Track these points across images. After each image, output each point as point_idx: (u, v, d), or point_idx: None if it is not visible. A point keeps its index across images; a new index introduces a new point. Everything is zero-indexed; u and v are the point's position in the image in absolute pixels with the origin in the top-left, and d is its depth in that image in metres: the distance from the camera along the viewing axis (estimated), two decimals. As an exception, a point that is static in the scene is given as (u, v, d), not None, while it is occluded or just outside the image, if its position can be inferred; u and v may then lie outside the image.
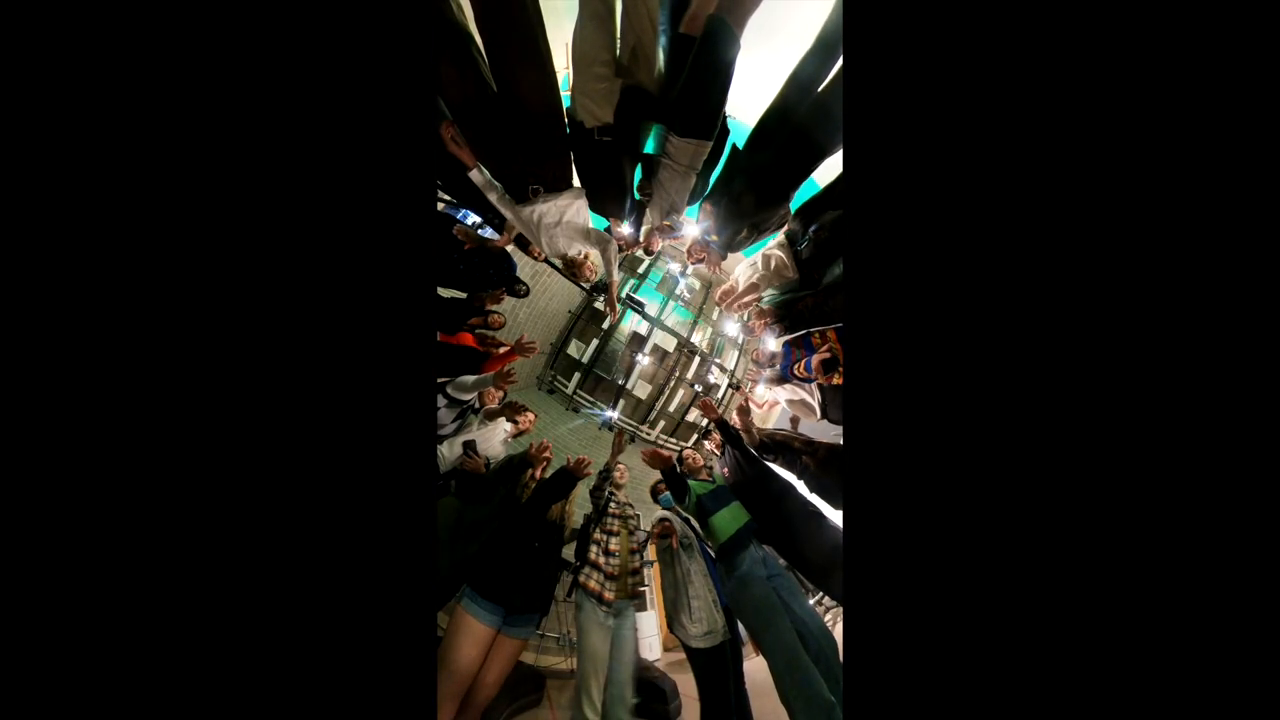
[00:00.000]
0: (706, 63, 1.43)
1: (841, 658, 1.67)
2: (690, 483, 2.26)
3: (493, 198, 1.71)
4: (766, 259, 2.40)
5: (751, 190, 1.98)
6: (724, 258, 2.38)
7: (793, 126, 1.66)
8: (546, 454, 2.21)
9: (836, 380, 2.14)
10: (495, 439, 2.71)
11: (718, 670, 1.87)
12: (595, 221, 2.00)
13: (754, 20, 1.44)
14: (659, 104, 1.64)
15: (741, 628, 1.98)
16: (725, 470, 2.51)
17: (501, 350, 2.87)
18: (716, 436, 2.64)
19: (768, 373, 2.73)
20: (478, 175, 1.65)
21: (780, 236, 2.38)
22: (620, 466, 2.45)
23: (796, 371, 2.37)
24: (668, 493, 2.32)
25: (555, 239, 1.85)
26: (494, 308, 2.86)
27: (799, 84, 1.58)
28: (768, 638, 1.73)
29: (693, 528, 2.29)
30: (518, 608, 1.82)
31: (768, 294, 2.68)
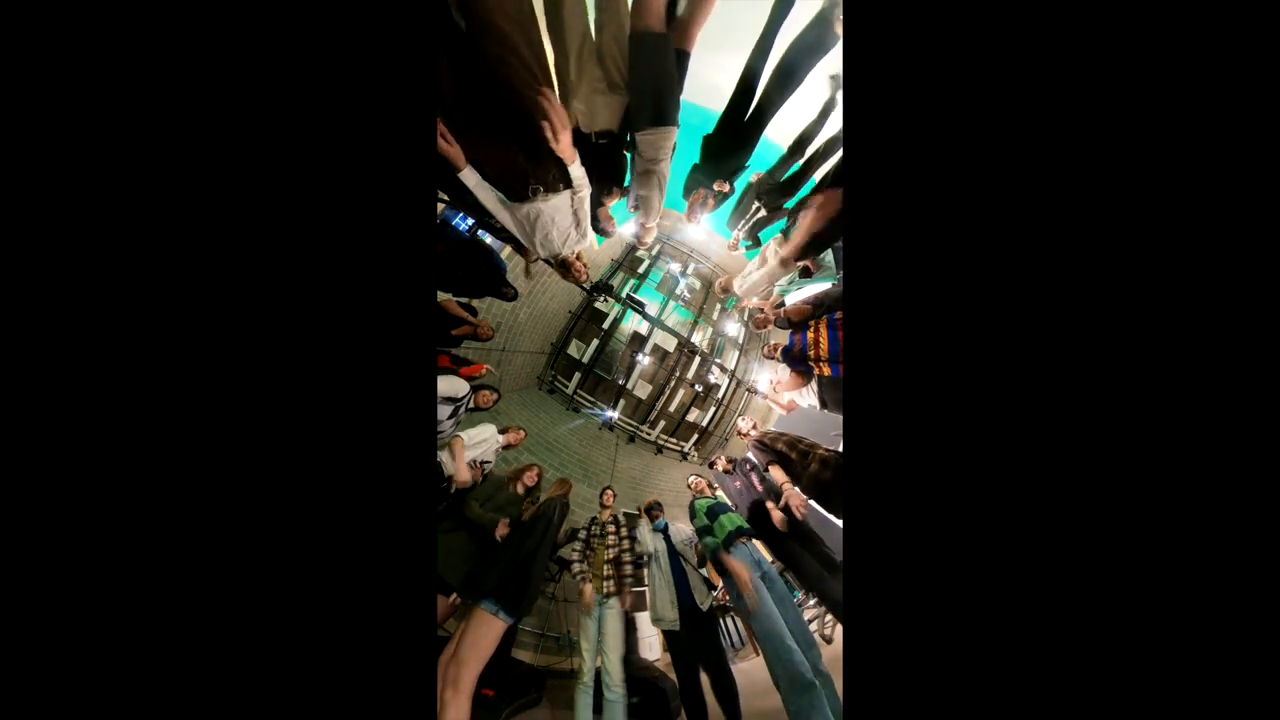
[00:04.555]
0: (640, 66, 1.64)
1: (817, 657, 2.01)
2: (696, 502, 2.68)
3: (485, 199, 1.69)
4: (764, 255, 2.62)
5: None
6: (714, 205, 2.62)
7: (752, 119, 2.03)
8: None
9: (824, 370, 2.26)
10: (490, 446, 2.76)
11: (680, 648, 2.46)
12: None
13: (738, 21, 1.56)
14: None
15: (739, 628, 2.19)
16: (738, 484, 2.87)
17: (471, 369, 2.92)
18: (723, 462, 3.05)
19: (781, 370, 2.80)
20: (470, 176, 1.62)
21: (779, 235, 2.57)
22: (609, 493, 2.96)
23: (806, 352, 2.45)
24: (661, 518, 2.84)
25: (551, 238, 1.85)
26: (477, 321, 2.89)
27: (750, 75, 1.91)
28: (756, 625, 2.06)
29: (671, 546, 2.72)
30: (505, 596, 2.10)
31: (778, 287, 2.91)
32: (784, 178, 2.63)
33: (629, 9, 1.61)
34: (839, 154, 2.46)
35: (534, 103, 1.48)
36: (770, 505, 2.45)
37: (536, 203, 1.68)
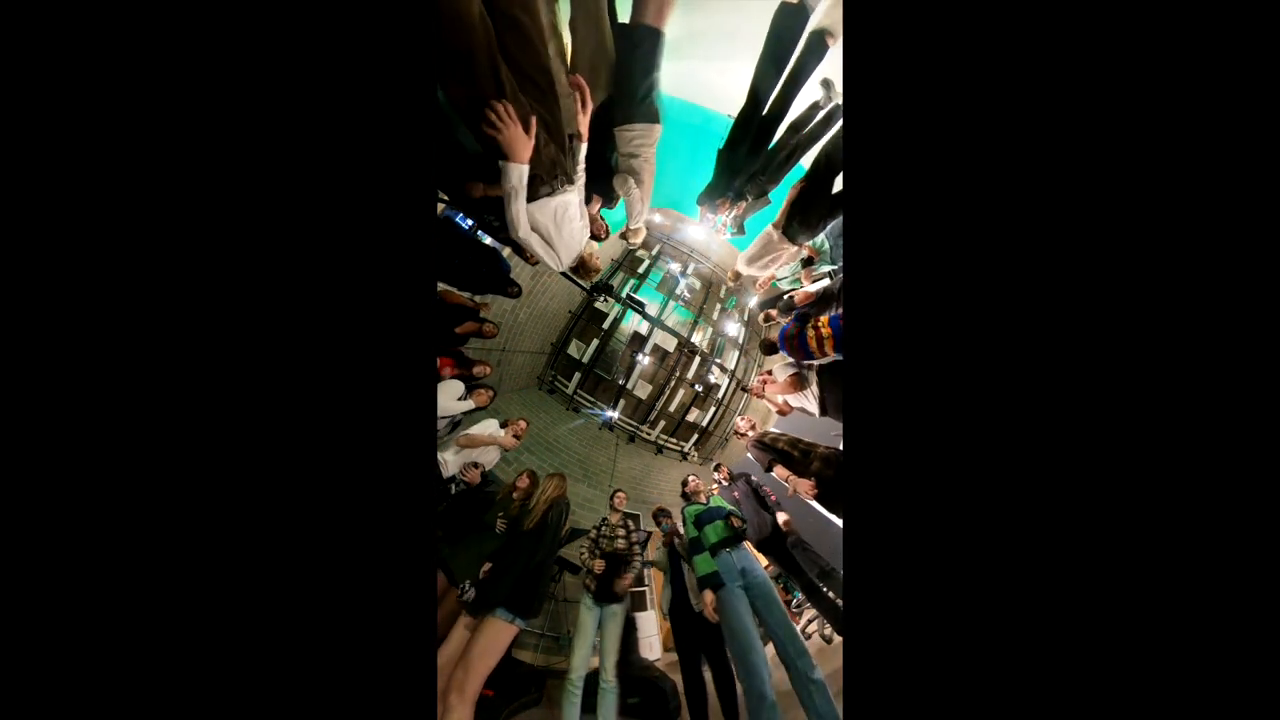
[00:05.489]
0: (628, 60, 1.67)
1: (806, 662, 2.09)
2: (686, 509, 2.73)
3: (519, 199, 1.51)
4: (764, 240, 2.79)
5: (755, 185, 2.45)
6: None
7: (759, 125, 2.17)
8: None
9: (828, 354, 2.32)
10: (490, 447, 2.76)
11: (681, 639, 2.59)
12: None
13: (741, 29, 1.60)
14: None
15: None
16: (736, 494, 2.95)
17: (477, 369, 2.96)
18: (725, 470, 3.13)
19: (780, 369, 2.83)
20: (517, 169, 1.44)
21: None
22: (620, 495, 3.05)
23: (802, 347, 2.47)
24: (668, 523, 2.98)
25: (575, 234, 1.78)
26: (488, 317, 2.90)
27: (759, 90, 2.02)
28: (729, 634, 2.22)
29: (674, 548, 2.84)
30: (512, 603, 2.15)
31: (783, 273, 3.11)
32: (770, 167, 2.71)
33: (605, 9, 1.61)
34: (824, 141, 2.60)
35: (559, 80, 1.47)
36: (791, 478, 2.46)
37: (567, 195, 1.65)
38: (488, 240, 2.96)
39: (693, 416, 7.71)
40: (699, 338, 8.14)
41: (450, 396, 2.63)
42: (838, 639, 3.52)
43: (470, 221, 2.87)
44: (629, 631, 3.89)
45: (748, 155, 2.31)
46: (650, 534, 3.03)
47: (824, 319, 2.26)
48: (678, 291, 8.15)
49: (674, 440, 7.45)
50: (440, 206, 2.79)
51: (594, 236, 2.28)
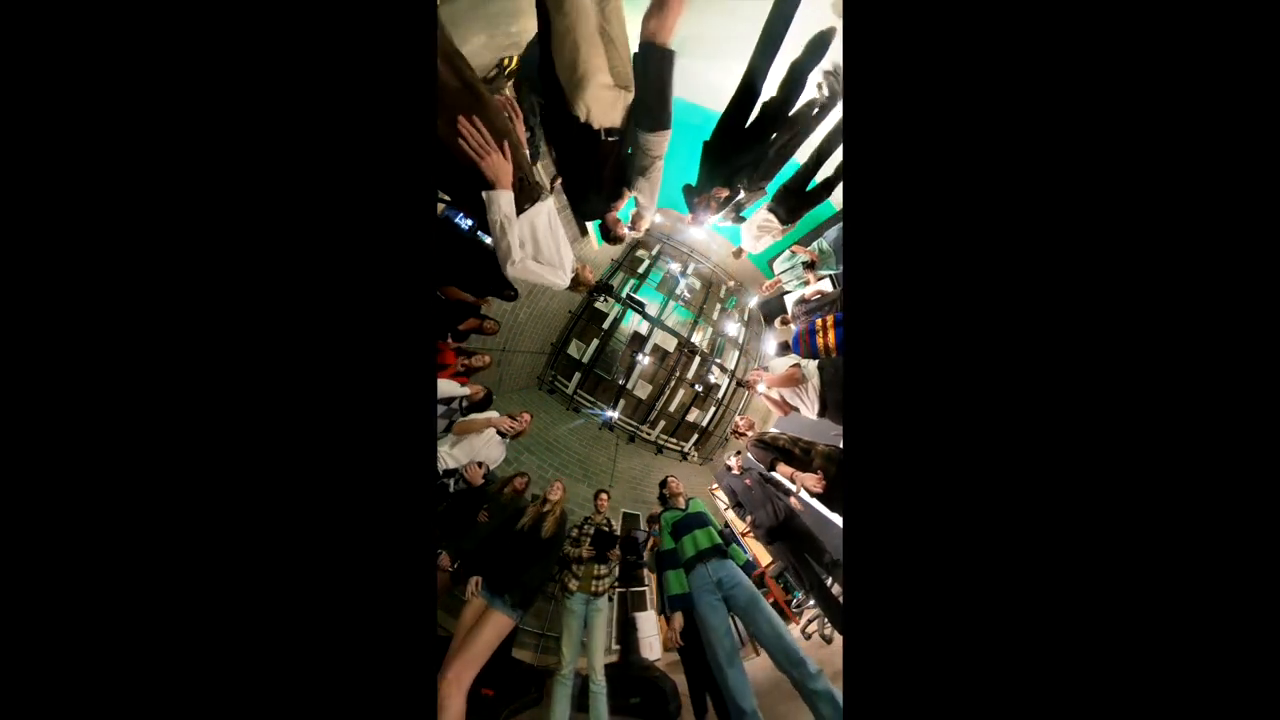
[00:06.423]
0: (644, 75, 1.74)
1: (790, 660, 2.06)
2: (664, 516, 2.68)
3: (512, 231, 1.43)
4: (761, 215, 2.90)
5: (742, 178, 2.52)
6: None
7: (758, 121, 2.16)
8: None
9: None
10: (493, 443, 2.76)
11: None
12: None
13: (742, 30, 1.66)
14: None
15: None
16: (748, 481, 2.92)
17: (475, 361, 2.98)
18: (738, 461, 3.09)
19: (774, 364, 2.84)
20: (506, 196, 1.36)
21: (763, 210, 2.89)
22: (603, 496, 3.08)
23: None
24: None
25: (566, 243, 1.75)
26: (489, 314, 2.91)
27: (752, 82, 2.00)
28: (706, 649, 2.19)
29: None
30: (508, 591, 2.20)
31: (788, 279, 3.14)
32: (763, 163, 2.72)
33: (620, 10, 1.64)
34: (816, 133, 2.64)
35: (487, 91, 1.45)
36: (797, 474, 2.43)
37: (549, 201, 1.61)
38: (487, 240, 2.96)
39: (693, 416, 7.70)
40: (699, 338, 8.13)
41: (445, 388, 2.65)
42: (838, 638, 3.52)
43: (470, 222, 2.87)
44: (629, 632, 3.89)
45: (735, 149, 2.28)
46: (650, 534, 3.04)
47: (829, 319, 2.27)
48: (678, 291, 8.15)
49: (674, 440, 7.44)
50: (440, 207, 2.79)
51: (616, 238, 2.30)
